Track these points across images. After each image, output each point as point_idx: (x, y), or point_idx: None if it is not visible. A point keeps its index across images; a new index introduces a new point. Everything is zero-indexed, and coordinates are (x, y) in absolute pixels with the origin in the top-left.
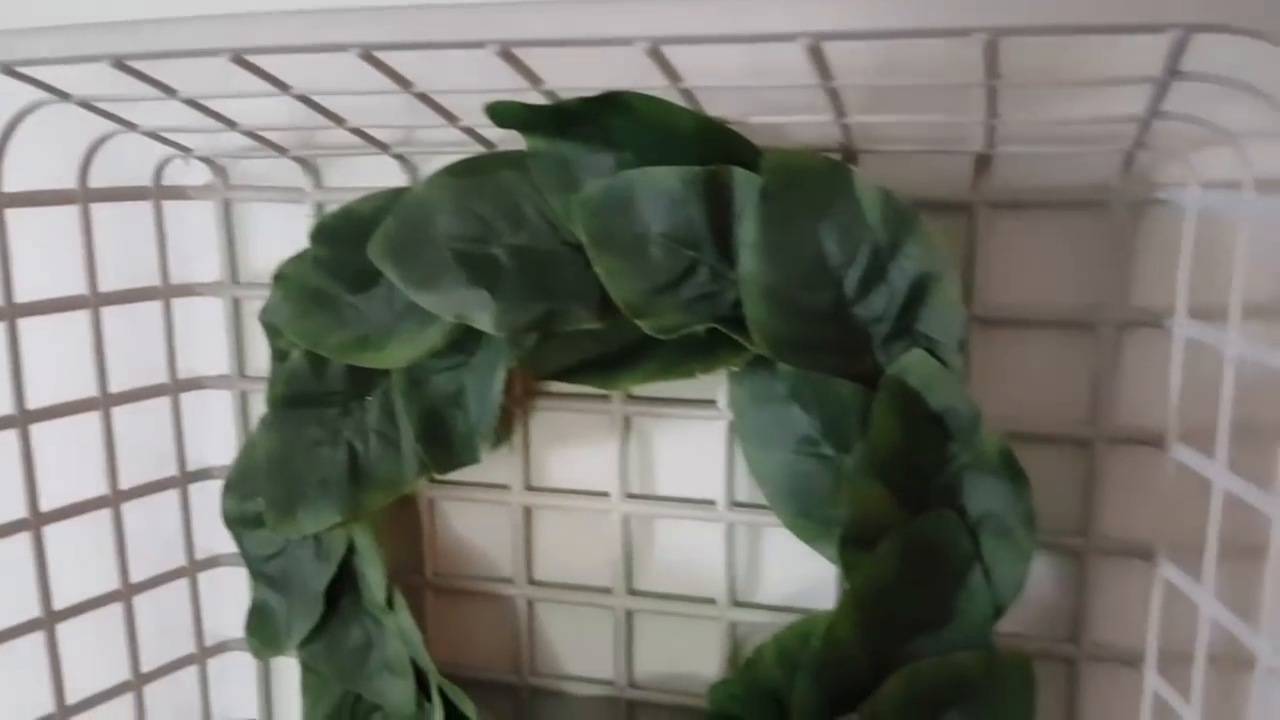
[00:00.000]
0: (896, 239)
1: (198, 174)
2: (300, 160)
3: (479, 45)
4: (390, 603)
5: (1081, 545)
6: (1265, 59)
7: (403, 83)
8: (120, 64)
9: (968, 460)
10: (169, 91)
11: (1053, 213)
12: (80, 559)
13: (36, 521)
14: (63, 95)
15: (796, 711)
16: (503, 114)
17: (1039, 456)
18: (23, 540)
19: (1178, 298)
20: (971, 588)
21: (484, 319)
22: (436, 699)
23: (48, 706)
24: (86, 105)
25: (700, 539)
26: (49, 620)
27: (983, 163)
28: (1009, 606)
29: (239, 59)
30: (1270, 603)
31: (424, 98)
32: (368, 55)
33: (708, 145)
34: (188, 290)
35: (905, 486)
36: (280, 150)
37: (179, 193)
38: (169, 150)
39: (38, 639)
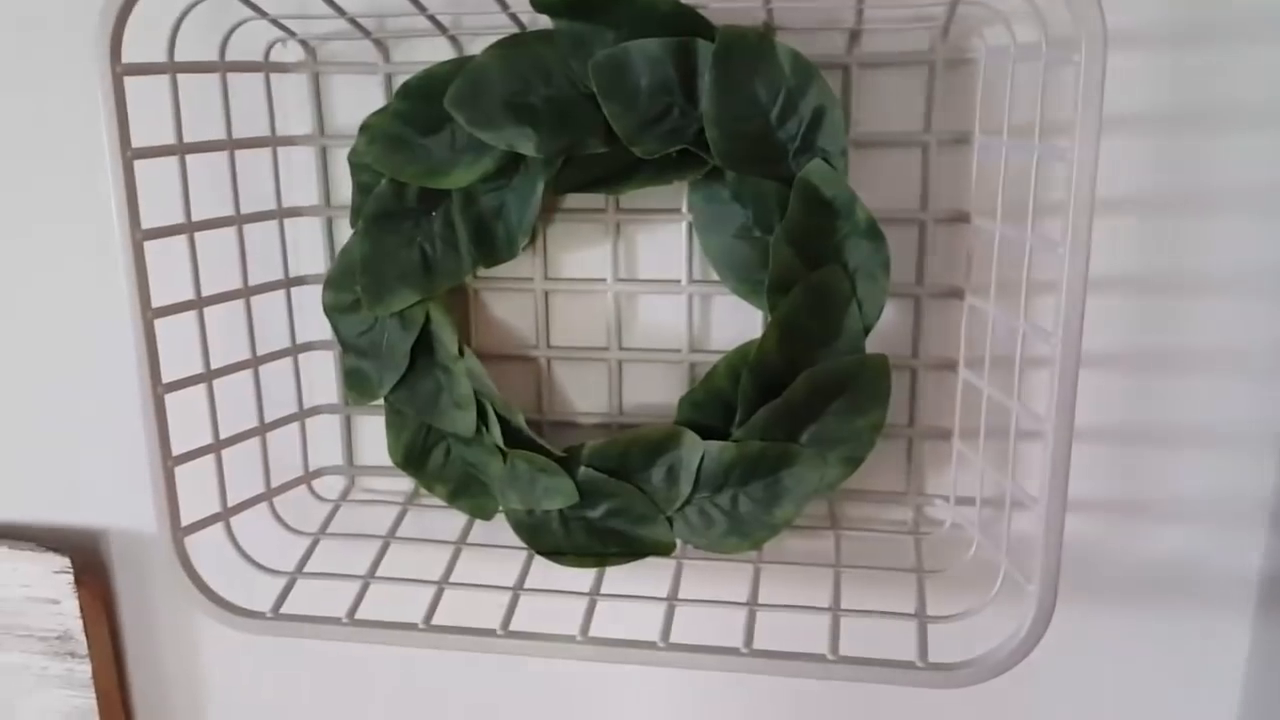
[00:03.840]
0: (802, 85)
1: (292, 53)
2: (376, 41)
3: None
4: (461, 351)
5: (919, 291)
6: None
7: None
8: None
9: (847, 231)
10: None
11: (899, 69)
12: (217, 338)
13: (200, 304)
14: None
15: (741, 400)
16: (544, 4)
17: (891, 233)
18: (190, 319)
19: (975, 122)
20: (851, 315)
21: (528, 146)
22: (494, 418)
23: (207, 439)
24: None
25: (669, 308)
26: (208, 376)
27: (854, 37)
28: (873, 326)
29: None
30: (1025, 305)
31: None
32: None
33: (680, 23)
34: (289, 140)
35: (808, 251)
36: (367, 33)
37: (282, 67)
38: (272, 35)
39: (201, 390)
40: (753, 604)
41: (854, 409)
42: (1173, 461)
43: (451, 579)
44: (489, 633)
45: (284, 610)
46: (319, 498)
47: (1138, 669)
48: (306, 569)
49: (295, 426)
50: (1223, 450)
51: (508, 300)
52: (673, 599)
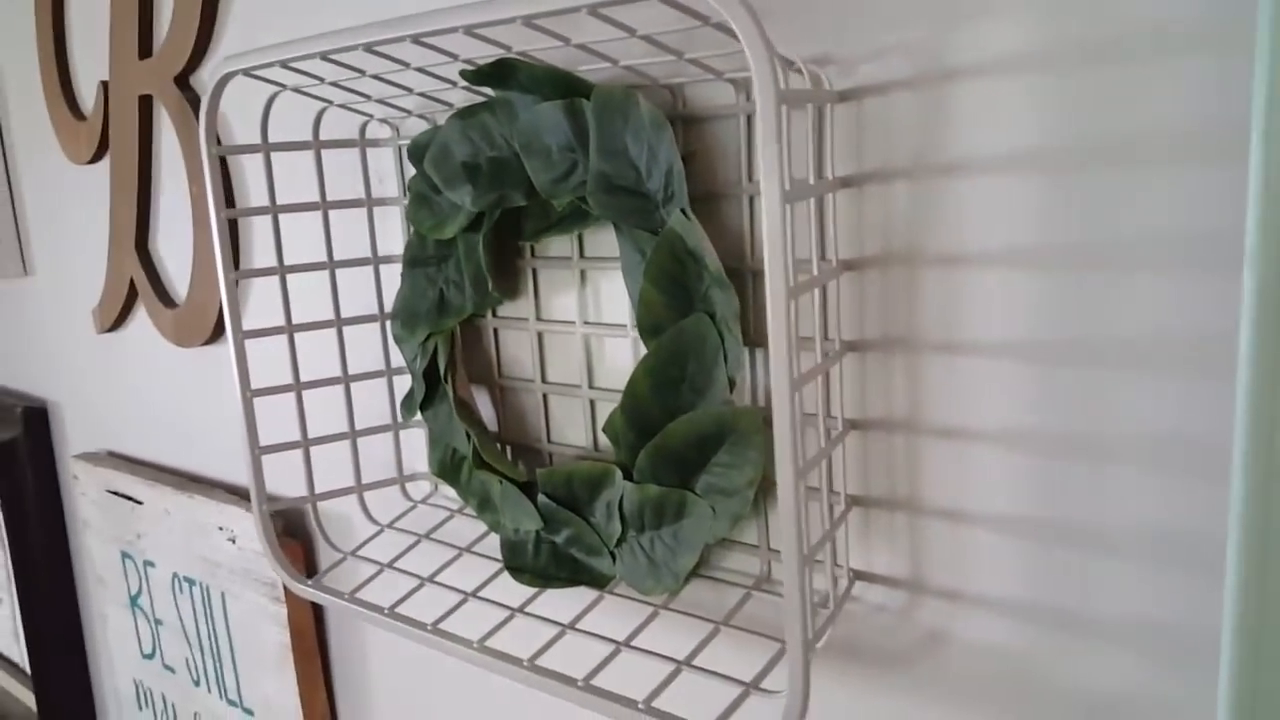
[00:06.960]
0: (660, 136)
1: (382, 130)
2: (423, 117)
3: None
4: (445, 378)
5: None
6: None
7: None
8: (371, 49)
9: (710, 281)
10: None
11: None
12: (314, 360)
13: (290, 329)
14: (281, 86)
15: (622, 439)
16: (468, 75)
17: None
18: (279, 344)
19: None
20: (721, 366)
21: (466, 201)
22: (471, 443)
23: (294, 436)
24: (299, 90)
25: (628, 350)
26: (297, 386)
27: (738, 85)
28: (737, 378)
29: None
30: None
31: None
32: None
33: (569, 85)
34: (381, 201)
35: (677, 297)
36: (408, 112)
37: (374, 142)
38: (363, 117)
39: (290, 398)
40: (623, 643)
41: (734, 463)
42: (1118, 567)
43: (439, 579)
44: (421, 625)
45: (329, 583)
46: (408, 498)
47: None
48: (362, 553)
49: (402, 433)
50: (1171, 556)
51: (518, 337)
52: (569, 627)
